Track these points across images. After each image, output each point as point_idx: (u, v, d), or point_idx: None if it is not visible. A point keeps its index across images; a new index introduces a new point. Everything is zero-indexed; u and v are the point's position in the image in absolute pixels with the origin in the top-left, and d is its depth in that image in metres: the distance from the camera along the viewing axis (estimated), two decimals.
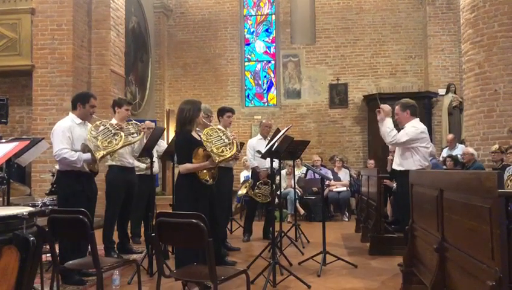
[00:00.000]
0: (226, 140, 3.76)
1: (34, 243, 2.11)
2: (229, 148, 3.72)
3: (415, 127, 4.58)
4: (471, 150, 6.79)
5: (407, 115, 4.66)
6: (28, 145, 3.85)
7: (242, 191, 6.30)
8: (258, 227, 6.45)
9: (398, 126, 4.78)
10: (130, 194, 5.20)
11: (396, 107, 4.75)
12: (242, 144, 5.45)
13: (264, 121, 6.59)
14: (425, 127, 4.68)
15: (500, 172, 2.11)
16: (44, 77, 7.37)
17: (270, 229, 6.14)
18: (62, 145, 3.98)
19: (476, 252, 2.30)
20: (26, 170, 6.91)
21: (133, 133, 4.54)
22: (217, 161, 3.67)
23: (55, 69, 7.35)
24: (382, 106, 4.71)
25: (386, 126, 4.61)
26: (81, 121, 4.22)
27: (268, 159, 6.04)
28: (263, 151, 4.61)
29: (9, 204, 4.55)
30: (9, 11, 7.54)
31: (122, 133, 4.24)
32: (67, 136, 4.03)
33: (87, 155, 3.99)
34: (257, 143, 6.16)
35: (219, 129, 3.91)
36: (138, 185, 5.45)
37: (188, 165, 3.65)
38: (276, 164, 6.14)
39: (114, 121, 4.68)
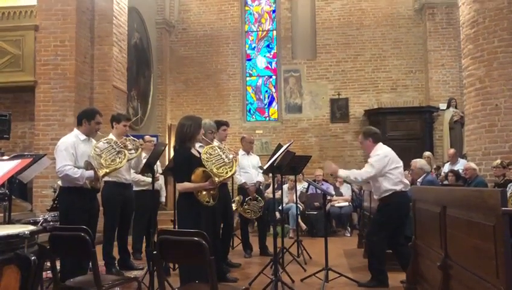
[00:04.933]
0: (226, 159, 3.66)
1: (35, 262, 2.10)
2: (229, 168, 3.63)
3: (377, 154, 4.52)
4: (472, 165, 6.77)
5: (370, 143, 4.64)
6: (30, 162, 3.84)
7: (234, 207, 6.25)
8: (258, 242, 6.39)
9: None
10: (127, 209, 5.18)
11: (359, 136, 4.77)
12: None
13: (246, 136, 6.42)
14: (389, 149, 4.58)
15: (503, 190, 2.11)
16: (47, 93, 7.41)
17: (266, 244, 6.20)
18: (65, 162, 3.97)
19: (480, 270, 2.28)
20: (27, 185, 6.90)
21: (130, 149, 4.52)
22: (217, 182, 3.57)
23: (57, 85, 7.40)
24: (325, 165, 4.68)
25: (346, 175, 4.63)
26: (85, 137, 4.21)
27: (255, 174, 6.07)
28: (265, 167, 4.59)
29: (10, 220, 4.55)
30: (13, 27, 7.63)
31: (126, 151, 4.22)
32: (71, 153, 4.02)
33: (90, 173, 3.99)
34: (241, 159, 5.88)
35: (219, 148, 3.82)
36: (140, 200, 5.43)
37: (186, 185, 3.55)
38: (261, 177, 6.19)
39: (113, 137, 4.67)
